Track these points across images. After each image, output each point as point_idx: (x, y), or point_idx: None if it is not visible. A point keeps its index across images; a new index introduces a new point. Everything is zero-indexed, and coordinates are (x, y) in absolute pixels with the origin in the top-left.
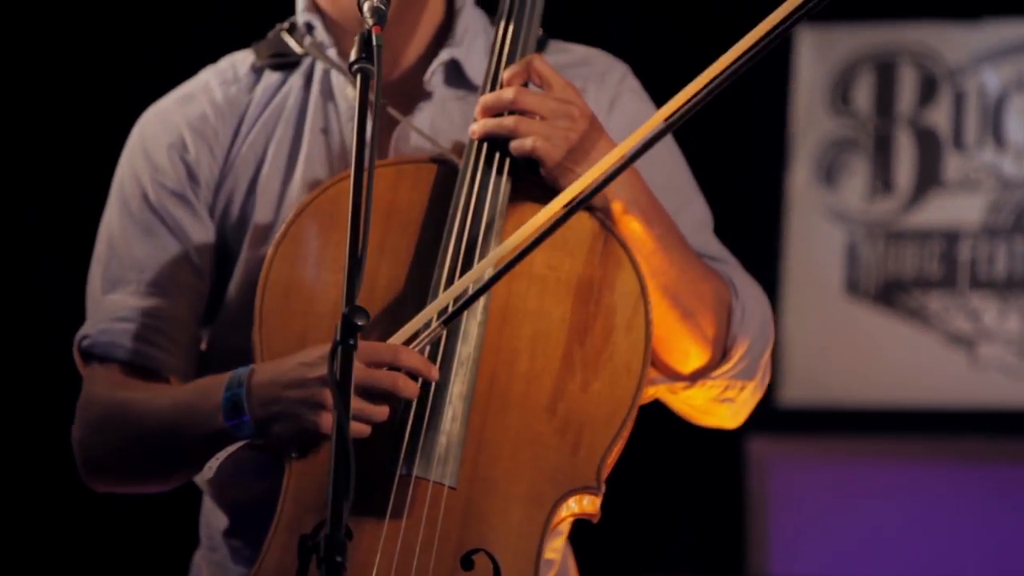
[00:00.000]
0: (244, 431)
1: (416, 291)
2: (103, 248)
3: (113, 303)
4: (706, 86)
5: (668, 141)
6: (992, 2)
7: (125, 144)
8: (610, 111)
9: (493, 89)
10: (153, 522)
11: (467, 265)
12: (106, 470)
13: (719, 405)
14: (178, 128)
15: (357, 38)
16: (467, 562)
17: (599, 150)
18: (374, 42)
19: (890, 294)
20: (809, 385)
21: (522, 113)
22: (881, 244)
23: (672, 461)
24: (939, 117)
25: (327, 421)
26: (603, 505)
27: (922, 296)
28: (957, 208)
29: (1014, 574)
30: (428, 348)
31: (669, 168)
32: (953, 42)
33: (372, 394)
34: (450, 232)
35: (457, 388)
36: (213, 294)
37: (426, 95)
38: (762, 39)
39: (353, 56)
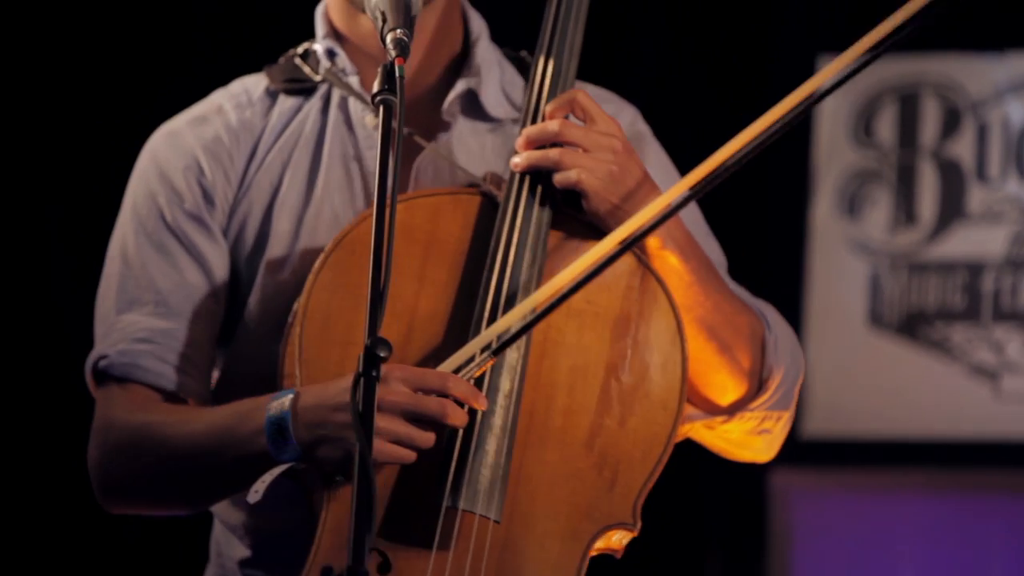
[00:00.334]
0: (287, 454)
1: (456, 322)
2: (116, 266)
3: (129, 323)
4: (772, 126)
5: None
6: (1015, 34)
7: (136, 164)
8: None
9: (534, 121)
10: (160, 540)
11: (510, 298)
12: (129, 494)
13: (756, 438)
14: (193, 150)
15: (380, 69)
16: None
17: (640, 184)
18: (397, 73)
19: (913, 326)
20: (832, 417)
21: (565, 146)
22: (904, 276)
23: (695, 493)
24: (962, 149)
25: (374, 445)
26: None
27: (945, 328)
28: (980, 240)
29: None
30: (473, 380)
31: (686, 209)
32: (976, 74)
33: (420, 420)
34: (492, 264)
35: (501, 420)
36: (226, 318)
37: (444, 125)
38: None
39: (376, 87)
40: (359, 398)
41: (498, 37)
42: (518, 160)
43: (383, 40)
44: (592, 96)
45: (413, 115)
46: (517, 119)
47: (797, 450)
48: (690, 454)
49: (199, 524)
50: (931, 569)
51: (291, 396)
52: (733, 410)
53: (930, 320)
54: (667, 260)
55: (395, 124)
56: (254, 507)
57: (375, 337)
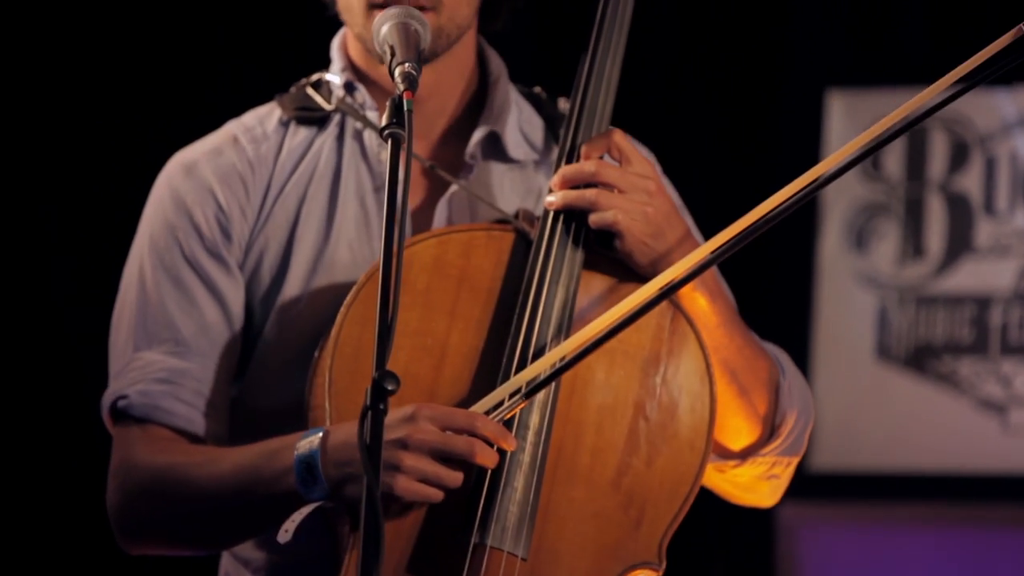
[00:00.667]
0: (316, 493)
1: (487, 359)
2: (133, 299)
3: (148, 362)
4: (824, 174)
5: (695, 233)
6: (1023, 68)
7: (152, 191)
8: None
9: (569, 161)
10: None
11: (541, 337)
12: (152, 537)
13: (764, 483)
14: (209, 184)
15: (389, 102)
16: None
17: (673, 227)
18: (405, 107)
19: (921, 359)
20: (840, 451)
21: (600, 186)
22: (912, 309)
23: (703, 526)
24: (970, 182)
25: (401, 483)
26: None
27: (953, 361)
28: (988, 273)
29: None
30: (502, 418)
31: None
32: (984, 108)
33: (447, 459)
34: (524, 302)
35: (529, 458)
36: (241, 352)
37: (467, 167)
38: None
39: (384, 120)
40: (366, 431)
41: (512, 72)
42: (553, 199)
43: (391, 74)
44: None
45: (435, 155)
46: (537, 161)
47: (805, 483)
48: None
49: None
50: None
51: (320, 435)
52: (745, 455)
53: (938, 354)
54: (696, 302)
55: (403, 157)
56: (267, 540)
57: (383, 370)
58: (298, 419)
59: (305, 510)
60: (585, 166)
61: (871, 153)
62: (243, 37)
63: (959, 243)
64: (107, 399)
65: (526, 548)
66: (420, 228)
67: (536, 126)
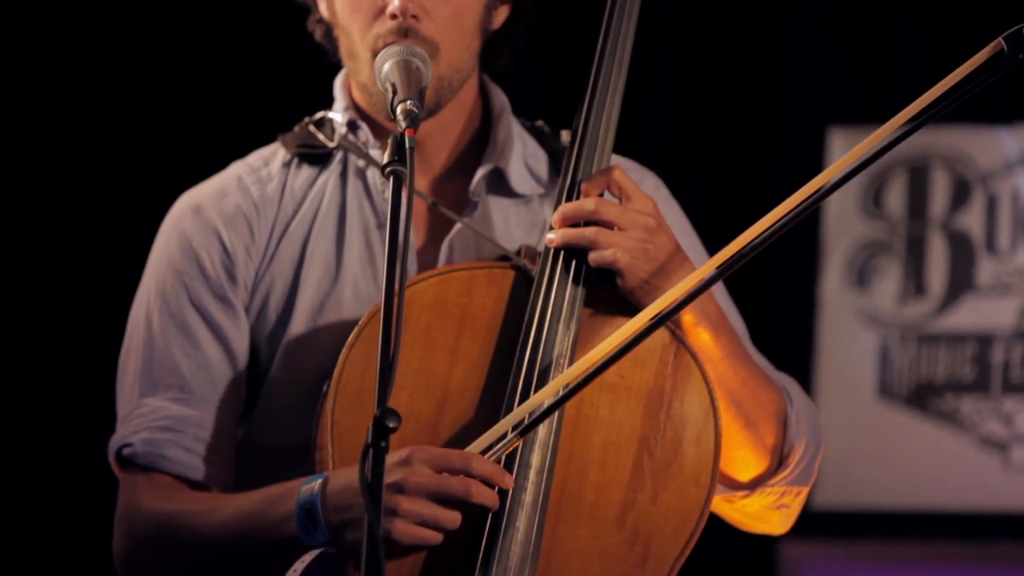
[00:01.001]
0: (317, 539)
1: (489, 397)
2: (139, 343)
3: (153, 409)
4: (812, 195)
5: (704, 255)
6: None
7: (159, 233)
8: None
9: (570, 197)
10: None
11: (543, 374)
12: None
13: (774, 512)
14: (215, 226)
15: (390, 140)
16: None
17: (674, 263)
18: (407, 144)
19: (922, 397)
20: (841, 489)
21: (600, 224)
22: (913, 347)
23: (705, 565)
24: (972, 221)
25: (399, 528)
26: None
27: (955, 399)
28: (990, 311)
29: None
30: (503, 457)
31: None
32: (985, 146)
33: (444, 501)
34: (526, 340)
35: (531, 497)
36: (247, 393)
37: (471, 204)
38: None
39: (386, 158)
40: (367, 470)
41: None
42: (554, 237)
43: (392, 111)
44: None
45: (438, 191)
46: (542, 194)
47: (807, 521)
48: None
49: None
50: None
51: (320, 480)
52: (754, 485)
53: (939, 392)
54: (700, 336)
55: (404, 195)
56: None
57: (384, 408)
58: (305, 459)
59: (308, 557)
60: (584, 203)
61: (868, 164)
62: (247, 75)
63: (960, 281)
64: (113, 445)
65: None
66: (425, 266)
67: (541, 159)
